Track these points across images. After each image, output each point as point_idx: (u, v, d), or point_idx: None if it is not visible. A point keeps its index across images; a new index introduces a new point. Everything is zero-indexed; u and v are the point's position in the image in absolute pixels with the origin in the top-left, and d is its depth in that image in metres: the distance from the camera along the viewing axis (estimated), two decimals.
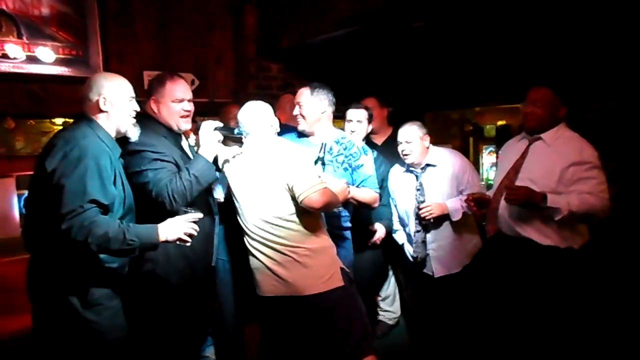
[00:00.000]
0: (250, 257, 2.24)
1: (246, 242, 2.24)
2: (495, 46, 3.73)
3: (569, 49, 3.25)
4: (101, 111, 1.96)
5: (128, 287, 2.12)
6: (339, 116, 2.76)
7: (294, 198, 2.09)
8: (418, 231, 2.85)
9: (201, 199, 2.33)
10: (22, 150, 3.60)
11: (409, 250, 2.97)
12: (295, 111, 2.54)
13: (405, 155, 2.78)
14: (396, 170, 2.98)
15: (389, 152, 3.11)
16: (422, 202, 2.80)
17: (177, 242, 1.96)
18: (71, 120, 3.65)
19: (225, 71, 4.15)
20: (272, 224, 2.13)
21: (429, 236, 2.84)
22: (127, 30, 3.62)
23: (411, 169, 2.86)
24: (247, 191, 2.19)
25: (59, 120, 3.58)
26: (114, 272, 2.03)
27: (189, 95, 2.31)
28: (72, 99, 3.36)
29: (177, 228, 1.92)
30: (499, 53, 3.74)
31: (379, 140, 3.43)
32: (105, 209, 1.85)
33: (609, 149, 2.95)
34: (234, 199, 2.29)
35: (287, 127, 3.17)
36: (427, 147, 2.84)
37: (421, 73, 4.45)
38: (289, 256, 2.11)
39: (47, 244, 1.88)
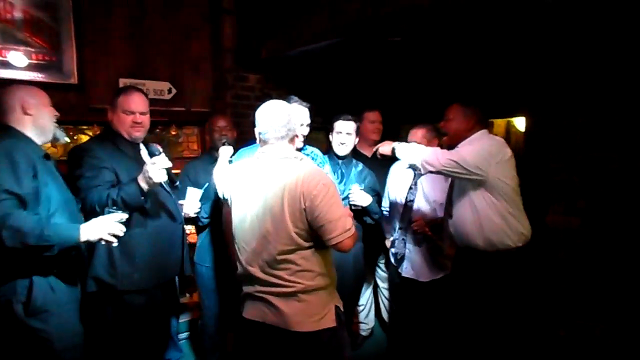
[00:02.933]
0: (243, 278, 2.04)
1: (240, 260, 2.02)
2: (469, 60, 3.83)
3: (540, 64, 3.36)
4: (22, 117, 2.01)
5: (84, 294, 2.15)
6: (318, 127, 2.79)
7: (308, 232, 1.87)
8: (401, 228, 2.98)
9: (163, 206, 2.41)
10: None
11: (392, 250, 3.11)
12: None
13: None
14: (399, 165, 3.10)
15: (379, 163, 3.17)
16: (411, 201, 2.93)
17: (103, 243, 1.96)
18: None
19: (203, 81, 4.13)
20: (276, 255, 1.89)
21: (408, 237, 2.95)
22: (103, 37, 3.57)
23: (413, 167, 2.97)
24: (253, 210, 1.94)
25: None
26: (63, 276, 2.01)
27: (141, 109, 2.40)
28: None
29: (100, 228, 1.93)
30: (473, 67, 3.84)
31: (369, 152, 3.47)
32: (22, 201, 1.85)
33: (576, 163, 3.06)
34: (231, 208, 2.08)
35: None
36: None
37: (397, 86, 4.53)
38: (286, 287, 1.90)
39: None
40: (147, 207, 2.25)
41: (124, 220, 2.00)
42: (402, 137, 4.77)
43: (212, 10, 4.10)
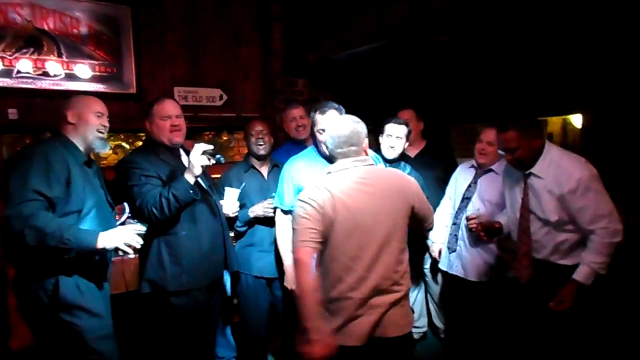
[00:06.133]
0: (342, 299, 1.89)
1: (343, 280, 1.89)
2: (520, 59, 3.72)
3: (597, 60, 3.21)
4: (69, 124, 2.17)
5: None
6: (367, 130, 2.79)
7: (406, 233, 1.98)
8: (455, 224, 2.92)
9: (205, 208, 2.46)
10: None
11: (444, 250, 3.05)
12: (322, 138, 2.40)
13: (482, 154, 2.86)
14: (463, 165, 3.08)
15: (421, 164, 3.12)
16: (468, 198, 2.87)
17: (119, 252, 2.08)
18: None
19: (253, 86, 4.25)
20: (393, 260, 1.91)
21: (460, 233, 2.90)
22: (159, 48, 3.77)
23: (475, 167, 2.93)
24: (361, 223, 1.89)
25: None
26: (88, 277, 2.14)
27: (176, 112, 2.49)
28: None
29: (117, 238, 2.03)
30: (524, 65, 3.72)
31: (412, 152, 3.43)
32: (51, 202, 1.98)
33: (637, 160, 2.90)
34: (330, 232, 1.91)
35: (291, 144, 3.20)
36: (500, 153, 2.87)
37: (446, 87, 4.46)
38: (398, 292, 1.91)
39: (15, 247, 2.01)
40: (197, 198, 2.32)
41: (142, 232, 2.10)
42: (452, 138, 4.72)
43: (261, 18, 4.21)
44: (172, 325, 2.40)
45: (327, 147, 2.06)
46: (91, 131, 2.20)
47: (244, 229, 2.89)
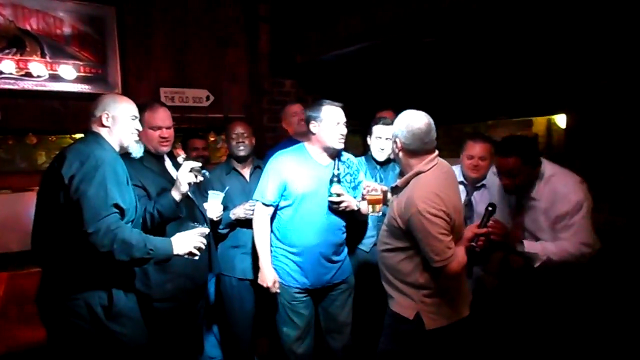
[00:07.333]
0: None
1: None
2: (506, 59, 3.76)
3: (581, 60, 3.26)
4: (103, 126, 2.05)
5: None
6: (354, 130, 2.78)
7: None
8: None
9: (188, 213, 2.43)
10: (44, 165, 3.68)
11: None
12: (342, 130, 2.50)
13: (476, 170, 2.71)
14: None
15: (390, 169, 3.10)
16: (469, 218, 2.71)
17: (187, 256, 2.05)
18: None
19: (240, 87, 4.23)
20: None
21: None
22: (144, 48, 3.73)
23: (465, 183, 2.78)
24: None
25: (78, 136, 3.66)
26: (133, 284, 2.10)
27: (168, 123, 2.44)
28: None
29: (189, 242, 2.04)
30: (510, 66, 3.76)
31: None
32: (123, 214, 1.92)
33: (620, 161, 2.94)
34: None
35: (292, 140, 3.19)
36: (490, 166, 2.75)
37: (433, 87, 4.48)
38: None
39: (66, 256, 1.90)
40: (182, 215, 2.31)
41: (205, 234, 2.11)
42: (439, 138, 4.73)
43: (248, 19, 4.20)
44: (157, 329, 2.35)
45: (405, 144, 2.04)
46: (127, 135, 2.10)
47: (225, 231, 2.88)
